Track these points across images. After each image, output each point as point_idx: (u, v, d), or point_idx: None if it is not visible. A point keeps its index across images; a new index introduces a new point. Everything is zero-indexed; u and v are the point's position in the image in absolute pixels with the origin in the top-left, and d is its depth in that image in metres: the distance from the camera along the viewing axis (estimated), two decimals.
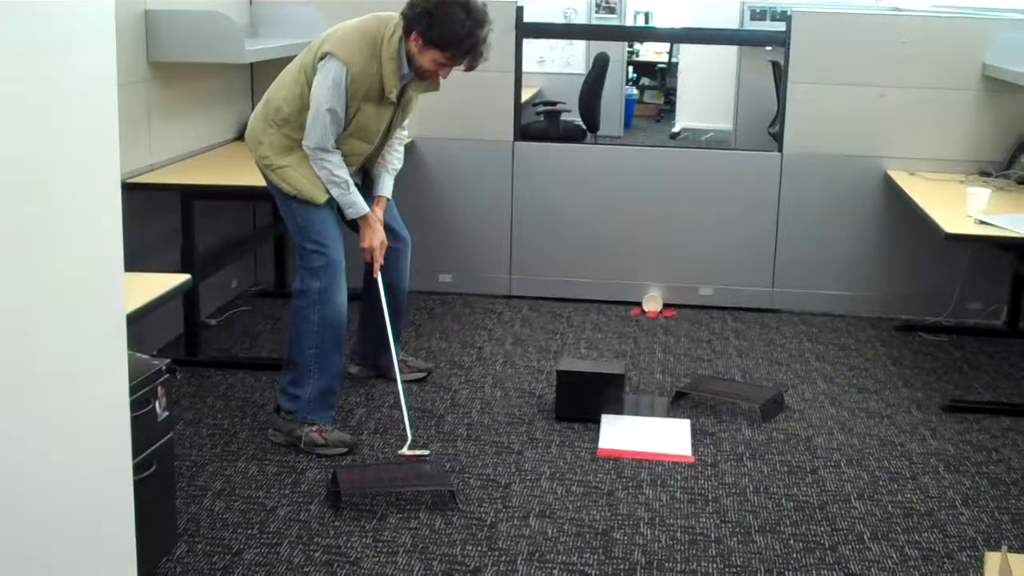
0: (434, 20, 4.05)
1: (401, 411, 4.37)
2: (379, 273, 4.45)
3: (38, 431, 2.06)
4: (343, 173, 4.23)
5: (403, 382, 4.48)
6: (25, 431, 2.02)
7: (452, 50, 4.08)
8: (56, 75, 2.05)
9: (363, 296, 4.69)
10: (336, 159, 4.21)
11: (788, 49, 6.00)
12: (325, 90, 4.11)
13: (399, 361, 4.53)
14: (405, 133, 4.63)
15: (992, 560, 2.71)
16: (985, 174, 5.74)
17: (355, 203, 4.30)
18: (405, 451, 4.27)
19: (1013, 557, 2.65)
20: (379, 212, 4.44)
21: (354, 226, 4.39)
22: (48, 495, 2.11)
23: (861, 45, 5.94)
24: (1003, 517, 3.90)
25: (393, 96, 4.20)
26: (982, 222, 4.70)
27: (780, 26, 6.14)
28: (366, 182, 4.52)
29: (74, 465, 2.19)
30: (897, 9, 8.37)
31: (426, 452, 4.28)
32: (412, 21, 4.10)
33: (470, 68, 4.19)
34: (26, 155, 1.96)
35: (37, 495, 2.08)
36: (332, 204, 4.29)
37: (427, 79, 4.27)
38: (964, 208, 4.85)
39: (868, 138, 5.98)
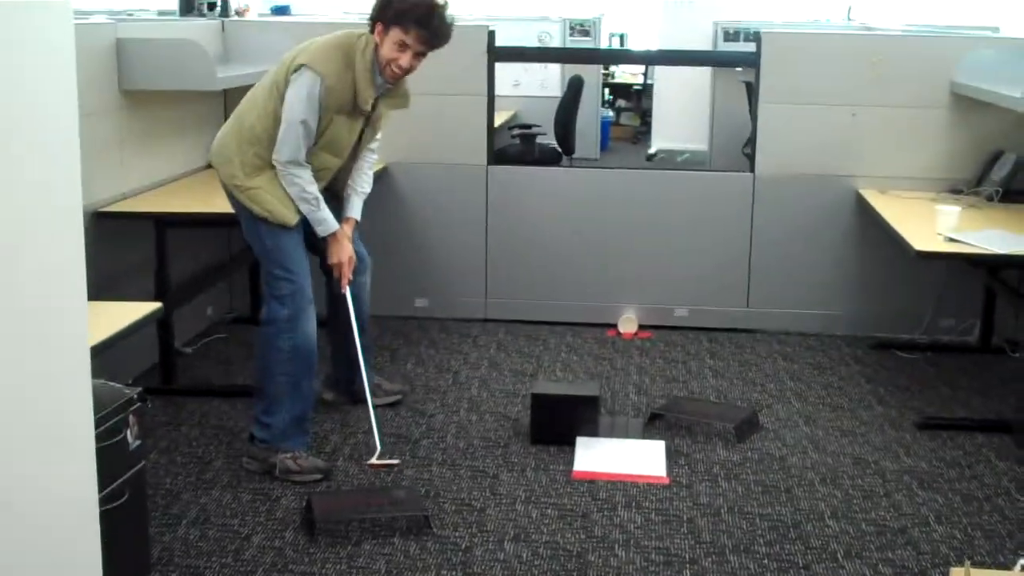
0: (390, 1, 4.14)
1: (370, 422, 4.39)
2: (347, 288, 4.47)
3: None
4: (313, 189, 4.24)
5: (375, 406, 4.51)
6: None
7: (407, 22, 4.11)
8: (13, 99, 2.05)
9: (330, 321, 4.70)
10: (307, 175, 4.22)
11: (758, 70, 6.04)
12: (299, 102, 4.13)
13: (373, 384, 4.53)
14: (375, 157, 4.65)
15: None
16: (956, 191, 5.78)
17: (325, 220, 4.31)
18: (374, 460, 4.30)
19: (977, 572, 2.66)
20: (347, 230, 4.46)
21: (315, 249, 4.42)
22: (10, 527, 2.10)
23: (831, 65, 5.98)
24: (976, 533, 3.92)
25: (368, 106, 4.22)
26: (952, 239, 4.73)
27: (752, 47, 6.17)
28: (335, 205, 4.52)
29: (37, 497, 2.18)
30: (867, 28, 8.44)
31: (395, 461, 4.31)
32: (375, 17, 4.19)
33: (428, 42, 4.18)
34: None
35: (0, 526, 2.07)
36: (300, 228, 4.30)
37: (394, 78, 4.26)
38: (935, 226, 4.88)
39: (840, 157, 6.02)
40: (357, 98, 4.19)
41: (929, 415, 4.97)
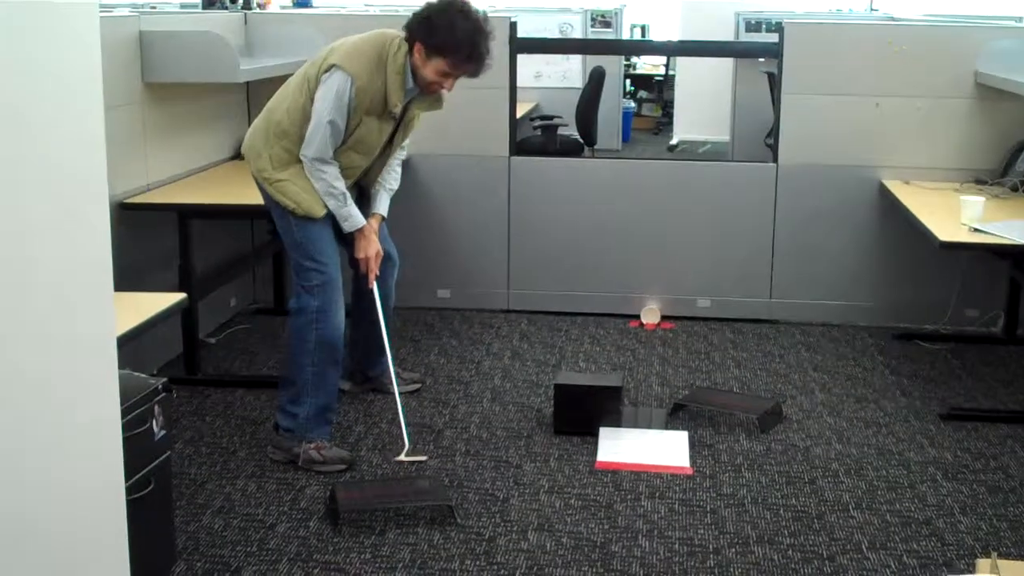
0: (435, 27, 4.10)
1: (398, 418, 4.41)
2: (375, 283, 4.47)
3: (26, 452, 2.07)
4: (340, 185, 4.25)
5: (400, 392, 4.53)
6: (13, 452, 2.03)
7: (453, 56, 4.11)
8: (40, 91, 2.06)
9: (353, 311, 4.71)
10: (333, 171, 4.23)
11: (781, 60, 6.02)
12: (328, 101, 4.14)
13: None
14: (404, 155, 4.66)
15: (983, 566, 2.72)
16: (980, 182, 5.76)
17: (351, 216, 4.32)
18: (402, 457, 4.31)
19: (1003, 563, 2.65)
20: (374, 225, 4.47)
21: (345, 242, 4.42)
22: (37, 516, 2.12)
23: (854, 55, 5.95)
24: (1001, 524, 3.90)
25: (397, 110, 4.22)
26: (976, 230, 4.71)
27: (774, 37, 6.15)
28: (363, 201, 4.53)
29: (64, 486, 2.20)
30: (890, 18, 8.40)
31: (424, 457, 4.32)
32: (414, 32, 4.15)
33: (474, 74, 4.20)
34: (9, 176, 1.97)
35: (26, 515, 2.09)
36: (329, 220, 4.31)
37: (432, 93, 4.29)
38: (959, 216, 4.86)
39: (863, 148, 5.99)
40: (387, 101, 4.19)
41: (953, 406, 4.96)
